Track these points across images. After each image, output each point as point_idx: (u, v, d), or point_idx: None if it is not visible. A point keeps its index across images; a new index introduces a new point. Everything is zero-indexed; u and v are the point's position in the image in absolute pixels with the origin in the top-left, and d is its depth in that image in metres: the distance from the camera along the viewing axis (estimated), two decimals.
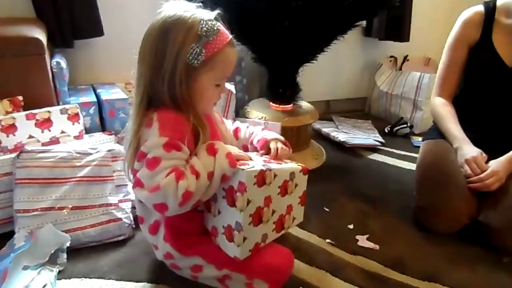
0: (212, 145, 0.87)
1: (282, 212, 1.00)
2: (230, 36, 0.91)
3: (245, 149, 1.12)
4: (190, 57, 0.84)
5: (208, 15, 0.87)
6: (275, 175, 0.92)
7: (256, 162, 0.92)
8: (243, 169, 0.85)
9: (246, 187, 0.84)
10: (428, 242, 1.30)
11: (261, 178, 0.88)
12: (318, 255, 1.22)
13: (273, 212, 0.96)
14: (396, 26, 2.39)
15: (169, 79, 0.85)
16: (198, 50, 0.84)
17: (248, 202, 0.86)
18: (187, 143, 0.85)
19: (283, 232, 1.03)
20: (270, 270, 0.97)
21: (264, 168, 0.89)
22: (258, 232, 0.93)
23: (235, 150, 0.92)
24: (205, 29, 0.84)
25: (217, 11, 0.90)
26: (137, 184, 0.83)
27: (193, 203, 0.82)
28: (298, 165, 1.02)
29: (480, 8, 1.39)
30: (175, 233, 0.97)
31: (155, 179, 0.80)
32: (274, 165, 0.94)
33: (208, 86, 0.91)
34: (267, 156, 1.03)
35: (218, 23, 0.88)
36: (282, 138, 1.08)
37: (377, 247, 1.27)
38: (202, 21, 0.85)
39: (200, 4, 0.90)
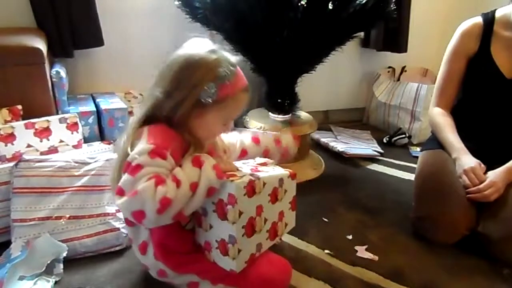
0: (198, 157, 0.86)
1: (274, 219, 0.99)
2: (246, 83, 0.95)
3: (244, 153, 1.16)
4: (204, 94, 0.87)
5: (231, 59, 0.92)
6: (264, 183, 0.92)
7: (244, 172, 0.92)
8: (231, 181, 0.84)
9: (237, 198, 0.84)
10: (427, 253, 1.30)
11: (251, 188, 0.87)
12: (317, 266, 1.21)
13: (265, 220, 0.96)
14: (394, 37, 2.41)
15: (174, 105, 0.88)
16: (213, 91, 0.87)
17: (240, 213, 0.86)
18: (174, 154, 0.85)
19: (277, 239, 1.03)
20: (266, 282, 0.97)
21: (252, 178, 0.88)
22: (252, 242, 0.92)
23: (222, 163, 0.92)
24: (224, 73, 0.88)
25: (239, 57, 0.95)
26: (118, 192, 0.80)
27: (173, 214, 0.79)
28: (286, 170, 1.02)
29: (479, 19, 1.40)
30: (165, 251, 0.96)
31: (135, 185, 0.78)
32: (262, 173, 0.94)
33: (215, 123, 0.95)
34: (253, 162, 1.03)
35: (238, 68, 0.93)
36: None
37: (376, 258, 1.26)
38: (224, 63, 0.89)
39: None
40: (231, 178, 0.85)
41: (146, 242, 0.99)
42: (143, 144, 0.83)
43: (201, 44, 0.93)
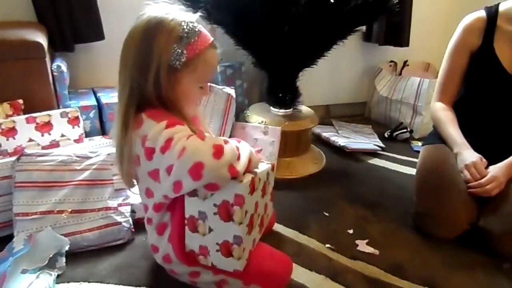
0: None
1: (262, 212, 1.00)
2: (212, 38, 0.92)
3: None
4: (172, 58, 0.84)
5: (190, 17, 0.89)
6: (259, 179, 0.92)
7: None
8: (240, 181, 0.83)
9: (245, 198, 0.83)
10: (428, 247, 1.30)
11: (252, 185, 0.87)
12: (318, 260, 1.21)
13: (258, 215, 0.96)
14: (396, 31, 2.40)
15: (155, 81, 0.86)
16: (179, 51, 0.84)
17: (245, 213, 0.85)
18: None
19: (263, 230, 1.04)
20: (268, 276, 0.97)
21: (253, 175, 0.88)
22: (250, 239, 0.93)
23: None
24: (186, 30, 0.85)
25: (198, 13, 0.92)
26: (168, 170, 0.80)
27: (228, 163, 0.79)
28: (267, 163, 1.02)
29: (482, 14, 1.38)
30: (181, 237, 0.94)
31: (176, 148, 0.77)
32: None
33: (191, 87, 0.92)
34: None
35: (200, 25, 0.89)
36: None
37: (377, 252, 1.26)
38: (183, 22, 0.86)
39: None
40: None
41: (166, 224, 0.97)
42: (155, 126, 0.83)
43: (156, 9, 0.89)
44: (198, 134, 0.82)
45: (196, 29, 0.87)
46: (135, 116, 0.89)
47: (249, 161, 0.86)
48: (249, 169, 0.87)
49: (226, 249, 0.88)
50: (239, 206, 0.83)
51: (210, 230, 0.89)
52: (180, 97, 0.90)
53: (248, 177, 0.85)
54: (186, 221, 0.91)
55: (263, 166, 0.98)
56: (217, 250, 0.90)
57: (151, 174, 0.89)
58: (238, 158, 0.83)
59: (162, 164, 0.81)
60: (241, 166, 0.83)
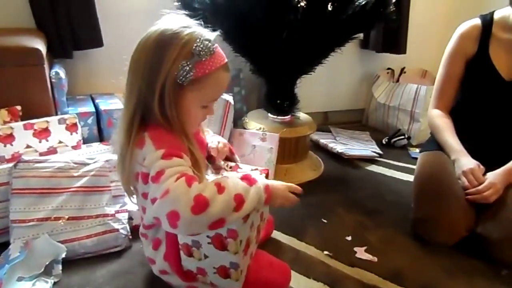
0: (249, 175, 0.82)
1: (259, 222, 0.99)
2: (225, 60, 0.88)
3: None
4: (179, 74, 0.81)
5: (207, 35, 0.85)
6: None
7: None
8: None
9: (238, 232, 0.81)
10: (426, 254, 1.30)
11: (246, 215, 0.82)
12: (316, 267, 1.21)
13: (255, 229, 0.94)
14: (393, 39, 2.41)
15: (160, 95, 0.82)
16: (188, 69, 0.81)
17: (241, 242, 0.83)
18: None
19: (259, 236, 1.02)
20: (267, 285, 0.97)
21: None
22: (248, 256, 0.92)
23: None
24: (199, 48, 0.81)
25: (217, 32, 0.87)
26: (152, 201, 0.77)
27: (212, 220, 0.72)
28: (258, 170, 1.02)
29: (477, 21, 1.40)
30: (177, 257, 0.93)
31: (162, 186, 0.73)
32: None
33: (194, 105, 0.87)
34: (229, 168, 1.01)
35: (216, 45, 0.85)
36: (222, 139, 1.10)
37: (375, 259, 1.26)
38: (198, 39, 0.82)
39: (200, 20, 0.88)
40: None
41: (160, 240, 0.96)
42: (152, 152, 0.80)
43: (174, 20, 0.85)
44: (190, 176, 0.76)
45: (211, 49, 0.83)
46: (138, 130, 0.86)
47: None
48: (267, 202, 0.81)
49: (223, 272, 0.87)
50: (233, 239, 0.81)
51: (206, 256, 0.87)
52: (182, 113, 0.86)
53: None
54: (180, 246, 0.89)
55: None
56: (214, 273, 0.89)
57: (145, 196, 0.87)
58: (239, 207, 0.76)
59: (151, 193, 0.79)
60: (239, 215, 0.77)
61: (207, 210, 0.71)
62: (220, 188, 0.75)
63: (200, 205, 0.71)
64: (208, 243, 0.84)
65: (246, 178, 0.81)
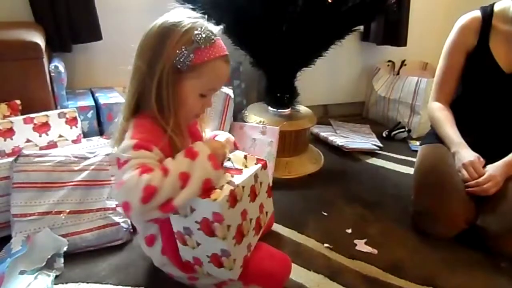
0: (191, 148, 0.84)
1: (257, 215, 0.99)
2: (226, 52, 0.90)
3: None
4: (178, 59, 0.83)
5: (210, 26, 0.88)
6: (243, 187, 0.89)
7: (222, 181, 0.88)
8: (215, 200, 0.80)
9: (223, 215, 0.81)
10: (426, 247, 1.30)
11: (233, 199, 0.85)
12: (316, 260, 1.21)
13: (250, 220, 0.95)
14: (394, 31, 2.40)
15: (159, 78, 0.85)
16: (186, 54, 0.83)
17: (228, 227, 0.84)
18: (163, 151, 0.84)
19: (261, 231, 1.03)
20: (266, 276, 0.97)
21: (232, 187, 0.85)
22: (243, 246, 0.92)
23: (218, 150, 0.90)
24: (199, 36, 0.84)
25: (221, 26, 0.90)
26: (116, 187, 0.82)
27: (159, 203, 0.76)
28: (256, 163, 1.01)
29: (477, 13, 1.39)
30: (175, 249, 0.93)
31: (122, 176, 0.78)
32: (237, 176, 0.91)
33: (191, 93, 0.89)
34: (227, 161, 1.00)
35: (218, 37, 0.88)
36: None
37: (375, 251, 1.27)
38: (200, 28, 0.85)
39: (204, 12, 0.90)
40: (213, 196, 0.81)
41: (154, 236, 0.98)
42: (127, 140, 0.84)
43: (180, 12, 0.89)
44: (147, 167, 0.77)
45: (211, 38, 0.86)
46: (128, 120, 0.90)
47: (205, 181, 0.81)
48: (206, 187, 0.82)
49: (216, 261, 0.88)
50: (218, 223, 0.82)
51: (198, 244, 0.88)
52: (178, 101, 0.88)
53: (224, 193, 0.82)
54: (175, 235, 0.90)
55: (250, 169, 0.97)
56: (208, 262, 0.89)
57: None
58: (185, 183, 0.79)
59: (116, 177, 0.83)
60: (189, 191, 0.79)
61: (155, 197, 0.75)
62: (165, 171, 0.78)
63: (149, 194, 0.74)
64: (198, 229, 0.85)
65: (189, 152, 0.83)
